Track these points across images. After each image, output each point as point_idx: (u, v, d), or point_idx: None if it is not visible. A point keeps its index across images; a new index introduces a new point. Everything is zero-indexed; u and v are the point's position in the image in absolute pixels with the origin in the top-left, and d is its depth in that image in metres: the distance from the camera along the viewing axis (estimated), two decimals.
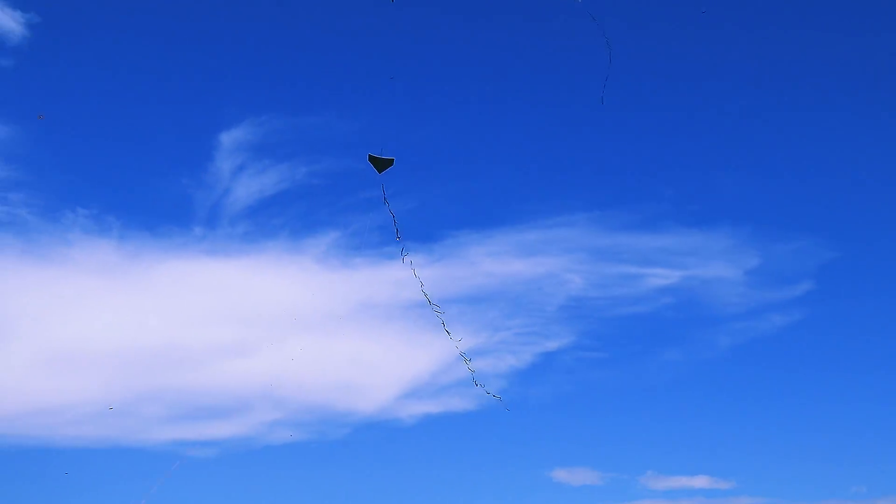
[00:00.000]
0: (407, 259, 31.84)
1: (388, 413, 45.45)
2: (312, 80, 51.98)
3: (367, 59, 48.55)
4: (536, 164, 52.10)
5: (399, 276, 42.57)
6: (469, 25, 53.60)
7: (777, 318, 48.05)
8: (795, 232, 50.02)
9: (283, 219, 48.61)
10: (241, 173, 48.50)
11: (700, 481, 45.24)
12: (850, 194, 51.47)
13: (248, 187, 48.32)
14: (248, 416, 44.00)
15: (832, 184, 51.31)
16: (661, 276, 48.27)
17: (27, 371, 44.16)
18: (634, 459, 46.08)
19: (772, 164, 52.12)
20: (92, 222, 47.07)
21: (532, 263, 48.39)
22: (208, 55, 51.67)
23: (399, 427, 45.55)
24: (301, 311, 42.71)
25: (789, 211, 51.28)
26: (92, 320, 45.52)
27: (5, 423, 42.52)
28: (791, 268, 48.81)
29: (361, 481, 44.55)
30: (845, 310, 48.94)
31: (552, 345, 47.24)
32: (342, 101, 50.39)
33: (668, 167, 51.80)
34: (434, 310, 31.14)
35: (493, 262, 48.01)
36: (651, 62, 53.62)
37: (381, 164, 31.52)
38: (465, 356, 31.26)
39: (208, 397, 44.21)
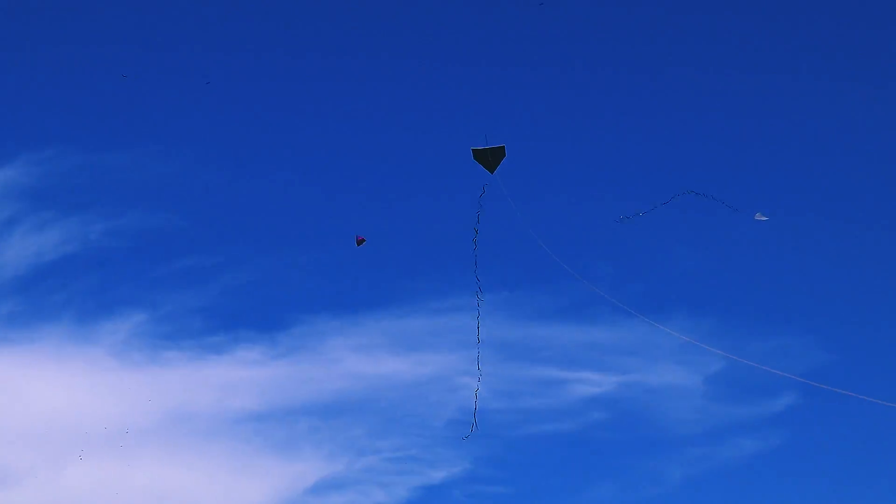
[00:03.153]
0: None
1: None
2: (115, 105, 46.77)
3: (191, 77, 45.70)
4: (421, 226, 45.62)
5: (229, 377, 42.47)
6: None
7: (747, 442, 42.18)
8: (774, 325, 44.22)
9: (68, 294, 43.58)
10: (10, 230, 44.04)
11: None
12: (850, 275, 45.21)
13: (20, 250, 43.87)
14: None
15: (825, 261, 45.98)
16: (590, 383, 43.03)
17: None
18: None
19: (741, 233, 45.66)
20: None
21: (413, 362, 43.17)
22: None
23: None
24: (89, 423, 39.19)
25: (766, 297, 45.05)
26: None
27: None
28: (768, 374, 40.23)
29: None
30: (839, 432, 42.77)
31: (438, 475, 41.42)
32: (157, 131, 45.84)
33: (603, 235, 45.24)
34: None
35: (359, 358, 43.53)
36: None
37: (490, 158, 27.74)
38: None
39: None
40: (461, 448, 41.40)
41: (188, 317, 41.53)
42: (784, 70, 48.13)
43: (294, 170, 46.96)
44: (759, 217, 30.30)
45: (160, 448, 40.04)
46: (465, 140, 34.23)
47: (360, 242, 30.14)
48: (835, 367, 43.57)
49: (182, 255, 42.83)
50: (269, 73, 48.41)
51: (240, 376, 41.05)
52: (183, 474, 40.10)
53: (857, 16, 49.03)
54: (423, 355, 43.11)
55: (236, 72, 47.41)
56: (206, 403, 41.31)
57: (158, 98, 47.03)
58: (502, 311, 42.62)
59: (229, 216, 44.66)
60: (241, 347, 41.31)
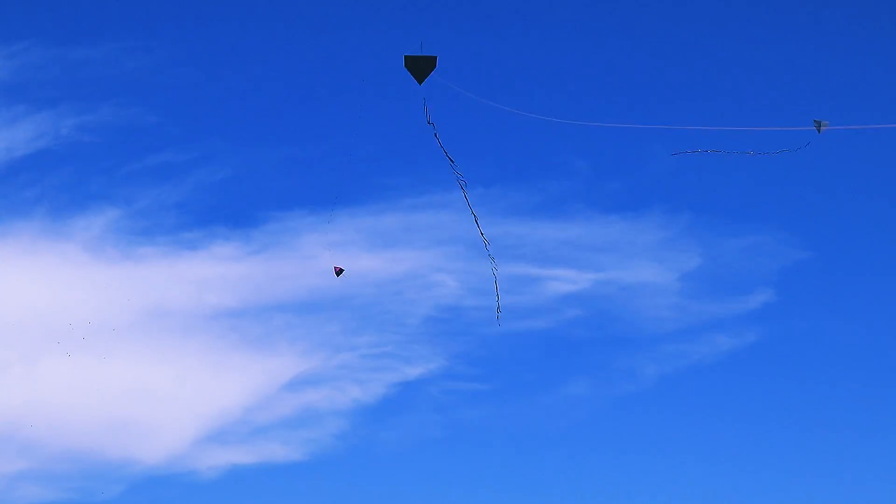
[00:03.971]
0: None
1: (180, 463, 39.83)
2: None
3: None
4: (396, 120, 44.71)
5: (205, 274, 42.30)
6: None
7: (722, 339, 42.57)
8: (750, 223, 44.35)
9: (41, 189, 43.13)
10: None
11: None
12: (824, 172, 45.49)
13: None
14: None
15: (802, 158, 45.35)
16: (566, 280, 43.05)
17: None
18: None
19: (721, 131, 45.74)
20: None
21: (388, 259, 43.21)
22: None
23: (195, 482, 39.56)
24: (62, 318, 38.38)
25: (741, 194, 45.24)
26: None
27: None
28: (743, 271, 43.93)
29: None
30: (815, 330, 43.35)
31: (414, 371, 41.75)
32: (130, 25, 45.06)
33: (580, 131, 44.35)
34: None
35: (333, 255, 40.10)
36: None
37: (420, 68, 26.96)
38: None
39: None
40: (437, 345, 41.91)
41: (162, 212, 41.35)
42: None
43: (267, 64, 46.37)
44: (822, 126, 29.24)
45: (135, 344, 40.04)
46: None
47: (338, 272, 30.31)
48: (811, 264, 44.00)
49: (156, 150, 42.44)
50: None
51: (215, 272, 40.97)
52: (158, 370, 40.19)
53: None
54: (398, 252, 43.00)
55: None
56: (181, 300, 41.32)
57: None
58: (479, 206, 41.82)
59: (203, 112, 44.23)
60: (215, 243, 41.20)
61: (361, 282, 42.02)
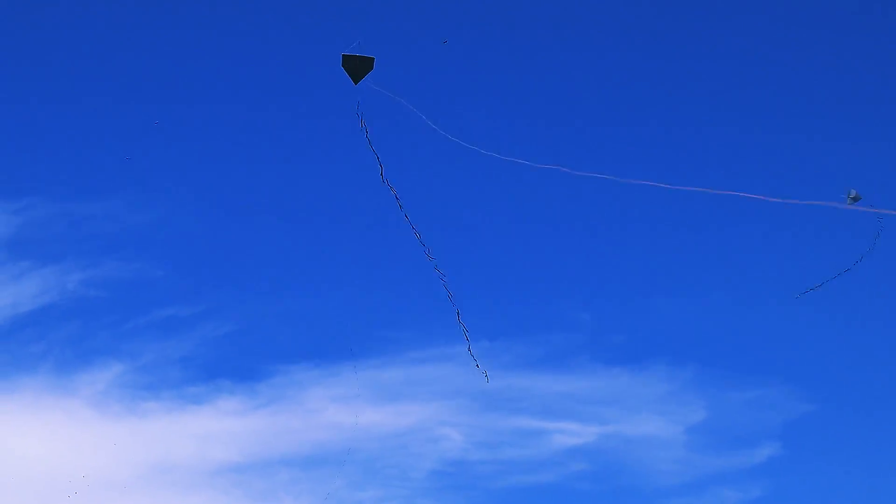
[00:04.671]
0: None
1: None
2: (91, 154, 45.90)
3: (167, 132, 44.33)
4: (400, 274, 44.54)
5: (209, 428, 41.69)
6: None
7: (728, 493, 41.35)
8: (755, 375, 43.45)
9: (46, 345, 42.26)
10: None
11: None
12: (831, 325, 44.66)
13: None
14: None
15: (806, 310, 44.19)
16: (571, 434, 42.23)
17: None
18: None
19: (723, 283, 45.97)
20: None
21: (393, 412, 42.38)
22: None
23: None
24: (67, 474, 37.60)
25: (746, 347, 44.38)
26: None
27: None
28: (749, 424, 42.81)
29: None
30: (821, 483, 42.14)
31: None
32: (134, 180, 44.87)
33: (584, 284, 45.07)
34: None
35: (339, 409, 42.32)
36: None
37: (357, 68, 27.43)
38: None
39: None
40: (443, 499, 40.87)
41: (167, 367, 40.77)
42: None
43: (271, 218, 46.26)
44: (852, 199, 28.43)
45: (140, 499, 38.99)
46: None
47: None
48: (816, 417, 43.17)
49: (160, 304, 42.04)
50: (242, 124, 47.50)
51: (220, 427, 40.26)
52: None
53: None
54: (402, 406, 42.41)
55: (209, 122, 46.56)
56: (185, 454, 40.45)
57: (134, 147, 45.95)
58: (484, 359, 40.88)
59: (207, 265, 43.91)
60: (220, 398, 40.54)
61: (366, 435, 41.19)
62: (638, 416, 42.96)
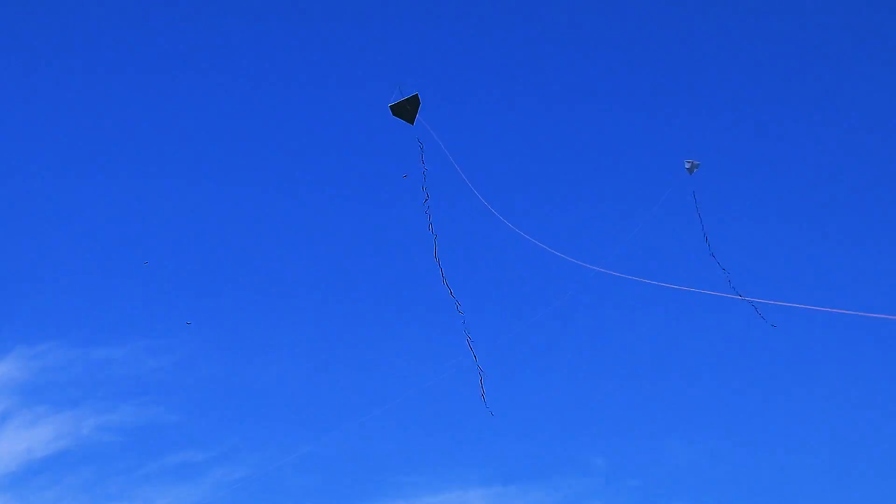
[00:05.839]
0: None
1: None
2: (107, 301, 46.70)
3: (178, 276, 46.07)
4: (412, 417, 44.18)
5: None
6: None
7: None
8: None
9: (59, 490, 41.60)
10: (2, 425, 42.56)
11: None
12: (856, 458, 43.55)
13: (12, 445, 42.10)
14: None
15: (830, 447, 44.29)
16: None
17: None
18: None
19: (740, 423, 45.10)
20: None
21: None
22: None
23: None
24: None
25: (758, 488, 42.90)
26: None
27: None
28: None
29: None
30: None
31: None
32: (150, 325, 45.75)
33: (598, 426, 44.14)
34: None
35: None
36: None
37: (406, 110, 27.87)
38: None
39: None
40: None
41: None
42: None
43: (283, 363, 46.38)
44: (690, 166, 28.64)
45: None
46: None
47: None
48: None
49: (174, 449, 41.83)
50: (250, 270, 48.38)
51: None
52: None
53: None
54: None
55: (221, 269, 47.50)
56: None
57: (149, 294, 46.87)
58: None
59: (221, 411, 43.84)
60: None
61: None
62: None
